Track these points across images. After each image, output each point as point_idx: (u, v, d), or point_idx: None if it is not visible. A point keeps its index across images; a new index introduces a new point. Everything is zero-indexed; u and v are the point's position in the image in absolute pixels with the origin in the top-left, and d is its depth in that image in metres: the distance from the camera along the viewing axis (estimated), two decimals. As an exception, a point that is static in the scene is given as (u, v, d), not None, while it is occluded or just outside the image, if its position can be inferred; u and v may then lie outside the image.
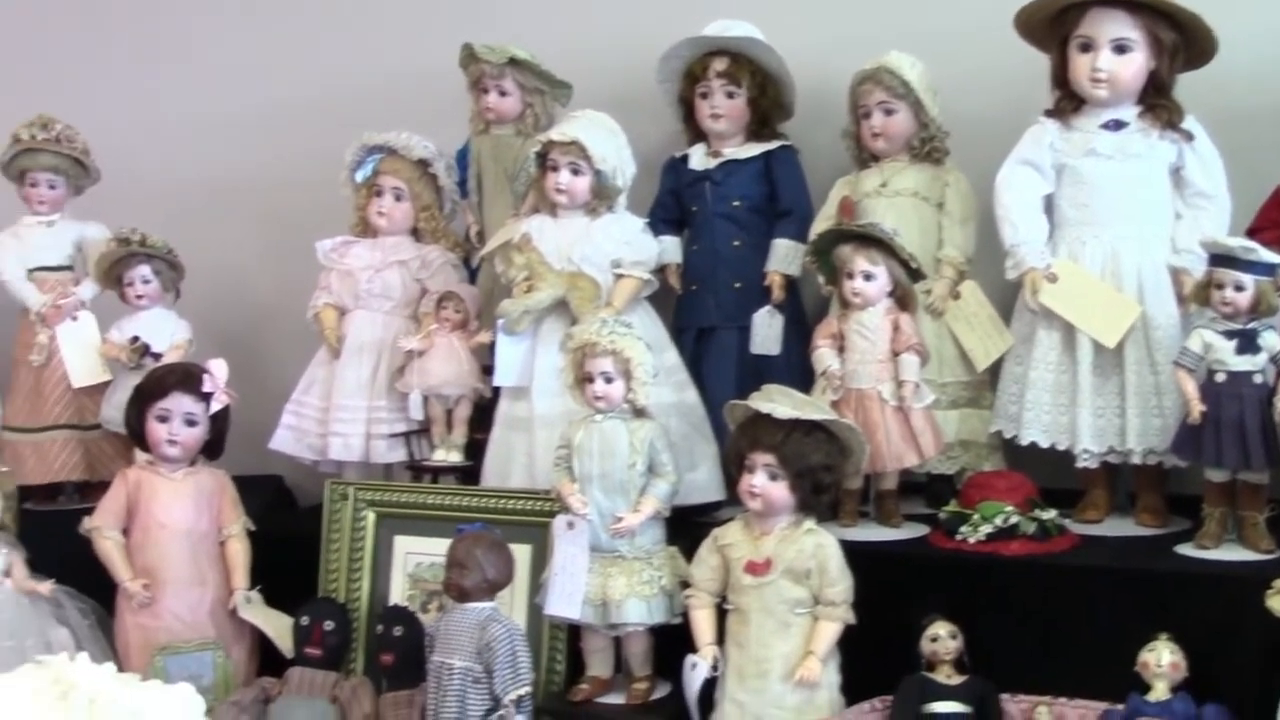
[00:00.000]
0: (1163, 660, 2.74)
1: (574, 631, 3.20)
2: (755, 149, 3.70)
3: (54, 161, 4.00)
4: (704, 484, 3.42)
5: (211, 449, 3.50)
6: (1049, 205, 3.34)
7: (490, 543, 3.07)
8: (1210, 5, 3.17)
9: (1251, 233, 3.24)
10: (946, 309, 3.50)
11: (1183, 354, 3.02)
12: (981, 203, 3.50)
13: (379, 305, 3.78)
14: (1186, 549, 3.05)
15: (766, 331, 3.62)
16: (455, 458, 3.66)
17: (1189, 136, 3.25)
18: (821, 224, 3.57)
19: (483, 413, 3.65)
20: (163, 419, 3.40)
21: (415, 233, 3.85)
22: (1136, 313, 3.21)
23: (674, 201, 3.78)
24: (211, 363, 3.48)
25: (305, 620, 3.30)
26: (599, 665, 3.16)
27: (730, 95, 3.67)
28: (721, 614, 3.00)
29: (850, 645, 2.94)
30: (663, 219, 3.74)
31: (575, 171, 3.42)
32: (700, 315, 3.68)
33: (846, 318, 3.28)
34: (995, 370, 3.46)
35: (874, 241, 3.25)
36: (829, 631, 2.91)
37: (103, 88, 4.51)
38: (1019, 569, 3.04)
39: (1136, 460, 3.23)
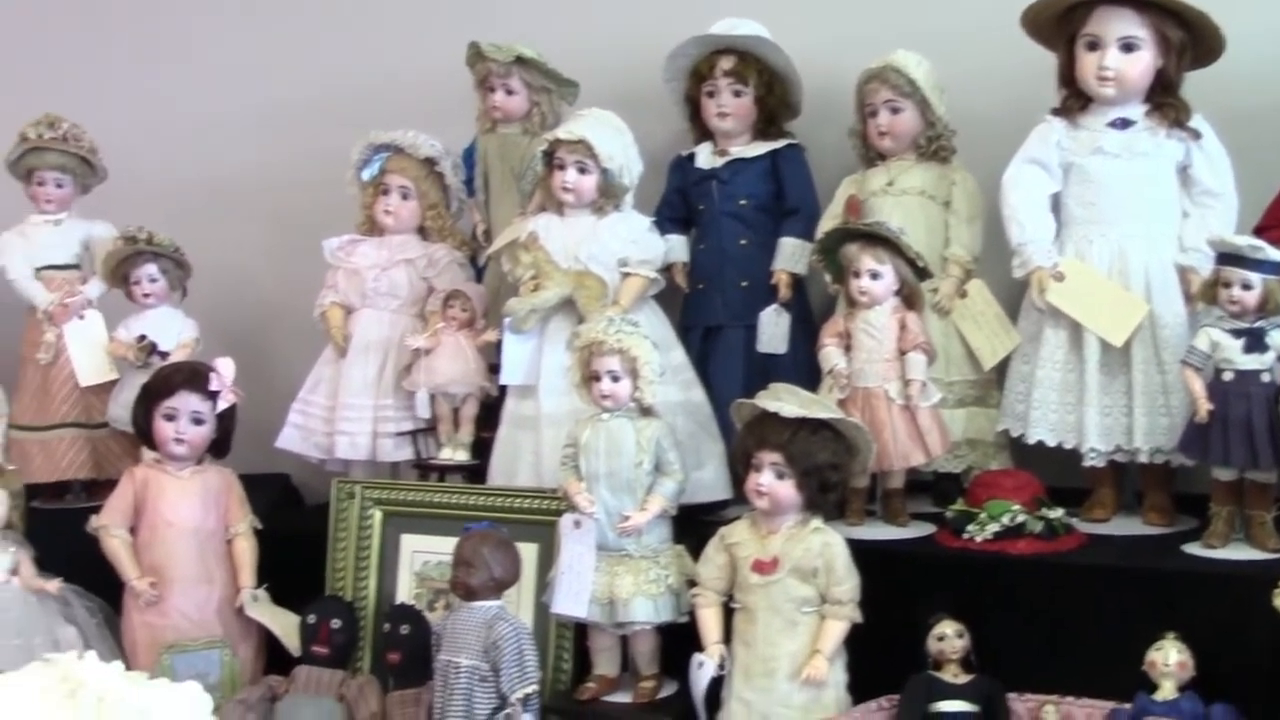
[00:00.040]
0: (1170, 659, 2.74)
1: (581, 630, 3.20)
2: (762, 148, 3.70)
3: (61, 160, 4.01)
4: (711, 483, 3.41)
5: (218, 447, 3.50)
6: (1056, 204, 3.33)
7: (497, 541, 3.07)
8: (1218, 3, 3.16)
9: (1259, 231, 3.24)
10: (953, 308, 3.50)
11: (1190, 353, 3.01)
12: (988, 201, 3.49)
13: (386, 304, 3.78)
14: (1194, 548, 3.05)
15: (773, 330, 3.62)
16: (462, 456, 3.66)
17: (1196, 135, 3.25)
18: (828, 222, 3.57)
19: (489, 411, 3.65)
20: (170, 417, 3.41)
21: (422, 231, 3.85)
22: (1144, 311, 3.20)
23: (681, 200, 3.78)
24: (218, 361, 3.48)
25: (312, 619, 3.30)
26: (606, 664, 3.17)
27: (737, 94, 3.67)
28: (728, 613, 3.00)
29: (857, 644, 2.94)
30: (669, 218, 3.74)
31: (582, 170, 3.42)
32: (707, 314, 3.68)
33: (853, 316, 3.28)
34: (1002, 369, 3.46)
35: (881, 240, 3.25)
36: (836, 630, 2.91)
37: (110, 87, 4.52)
38: (1026, 568, 3.03)
39: (1144, 459, 3.23)
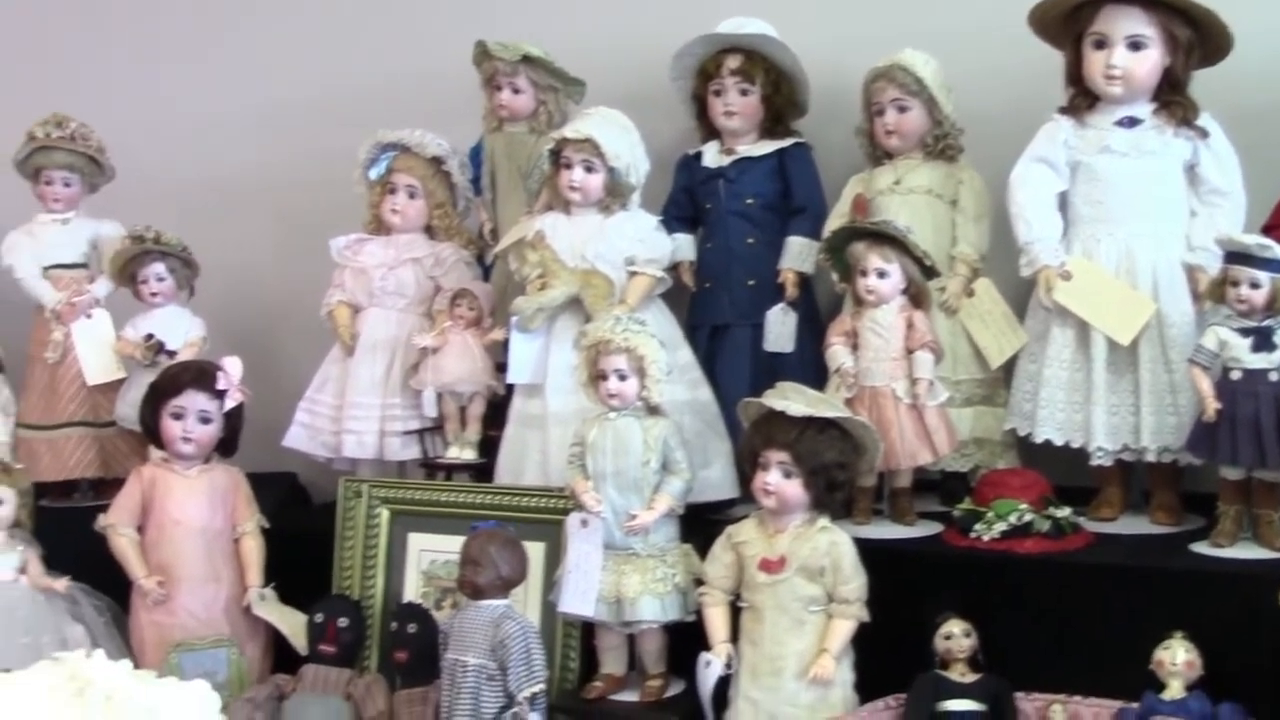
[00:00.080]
0: (1178, 658, 2.73)
1: (588, 629, 3.20)
2: (769, 146, 3.70)
3: (69, 159, 4.02)
4: (718, 482, 3.41)
5: (226, 446, 3.50)
6: (1063, 202, 3.33)
7: (504, 540, 3.08)
8: (1225, 2, 3.15)
9: (1267, 230, 3.24)
10: (960, 306, 3.49)
11: (1198, 351, 3.01)
12: (995, 200, 3.49)
13: (393, 303, 3.79)
14: (1201, 547, 3.04)
15: (780, 329, 3.61)
16: (469, 455, 3.66)
17: (1204, 133, 3.24)
18: (835, 221, 3.56)
19: (496, 410, 3.65)
20: (177, 416, 3.41)
21: (429, 230, 3.86)
22: (1151, 310, 3.20)
23: (687, 199, 3.78)
24: (226, 360, 3.48)
25: (319, 617, 3.31)
26: (613, 663, 3.17)
27: (744, 93, 3.67)
28: (735, 611, 3.00)
29: (864, 643, 2.93)
30: (676, 216, 3.74)
31: (589, 169, 3.42)
32: (714, 313, 3.68)
33: (860, 315, 3.28)
34: (1009, 368, 3.46)
35: (888, 239, 3.24)
36: (843, 629, 2.91)
37: (117, 86, 4.53)
38: (1033, 567, 3.03)
39: (1151, 458, 3.23)
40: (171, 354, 3.81)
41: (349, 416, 3.72)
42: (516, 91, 3.83)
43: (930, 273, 3.29)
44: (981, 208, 3.55)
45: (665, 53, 3.73)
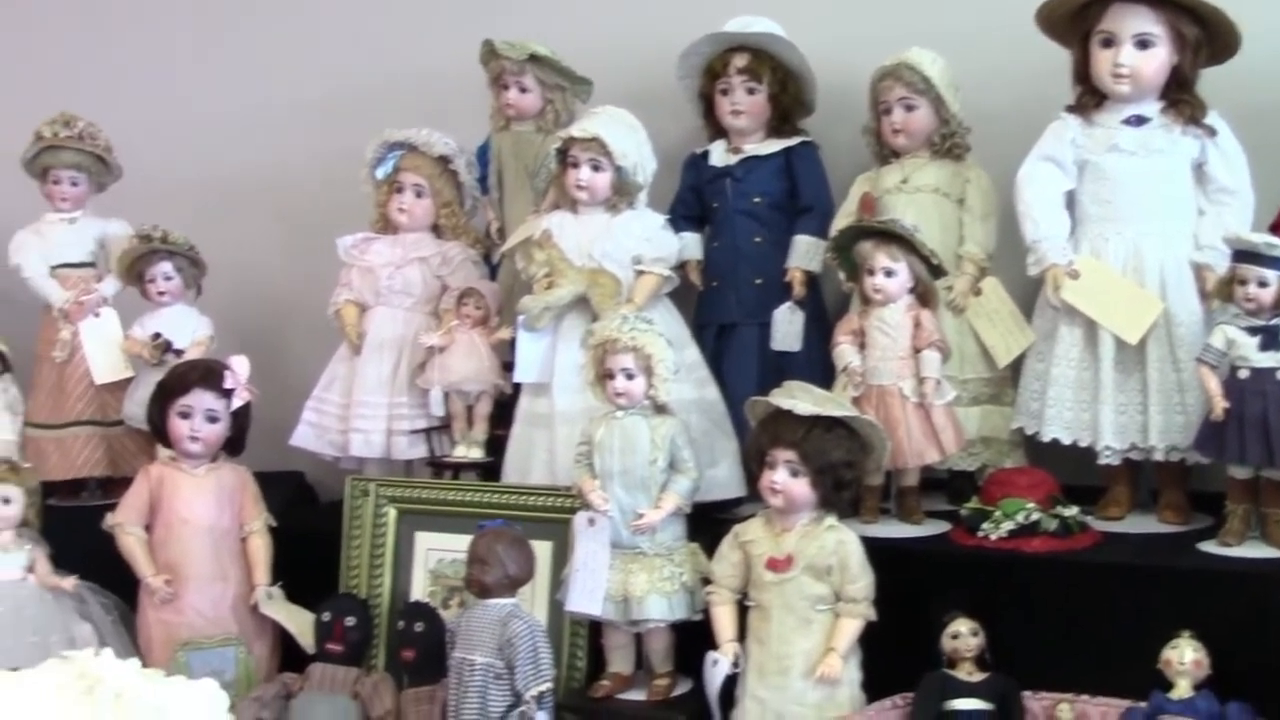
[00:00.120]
0: (1185, 658, 2.73)
1: (595, 628, 3.20)
2: (776, 145, 3.70)
3: (76, 159, 4.02)
4: (725, 480, 3.41)
5: (233, 445, 3.50)
6: (1071, 201, 3.33)
7: (511, 539, 3.08)
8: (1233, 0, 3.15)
9: (1275, 228, 3.23)
10: (968, 305, 3.49)
11: (1205, 350, 3.00)
12: (1003, 199, 3.49)
13: (400, 302, 3.79)
14: (1209, 546, 3.04)
15: (787, 328, 3.61)
16: (476, 454, 3.66)
17: (1212, 132, 3.24)
18: (842, 220, 3.56)
19: (503, 409, 3.65)
20: (185, 415, 3.41)
21: (436, 229, 3.86)
22: (1159, 309, 3.19)
23: (694, 198, 3.78)
24: (233, 359, 3.49)
25: (326, 616, 3.30)
26: (620, 662, 3.17)
27: (751, 91, 3.66)
28: (743, 610, 3.00)
29: (871, 642, 2.93)
30: (683, 215, 3.74)
31: (596, 168, 3.42)
32: (721, 312, 3.68)
33: (867, 314, 3.28)
34: (1017, 367, 3.45)
35: (895, 238, 3.24)
36: (850, 628, 2.90)
37: (124, 85, 4.53)
38: (1040, 566, 3.03)
39: (1159, 457, 3.22)
40: (179, 353, 3.82)
41: (356, 415, 3.72)
42: (523, 90, 3.82)
43: (937, 271, 3.29)
44: (989, 206, 3.54)
45: (672, 52, 3.73)
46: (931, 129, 3.54)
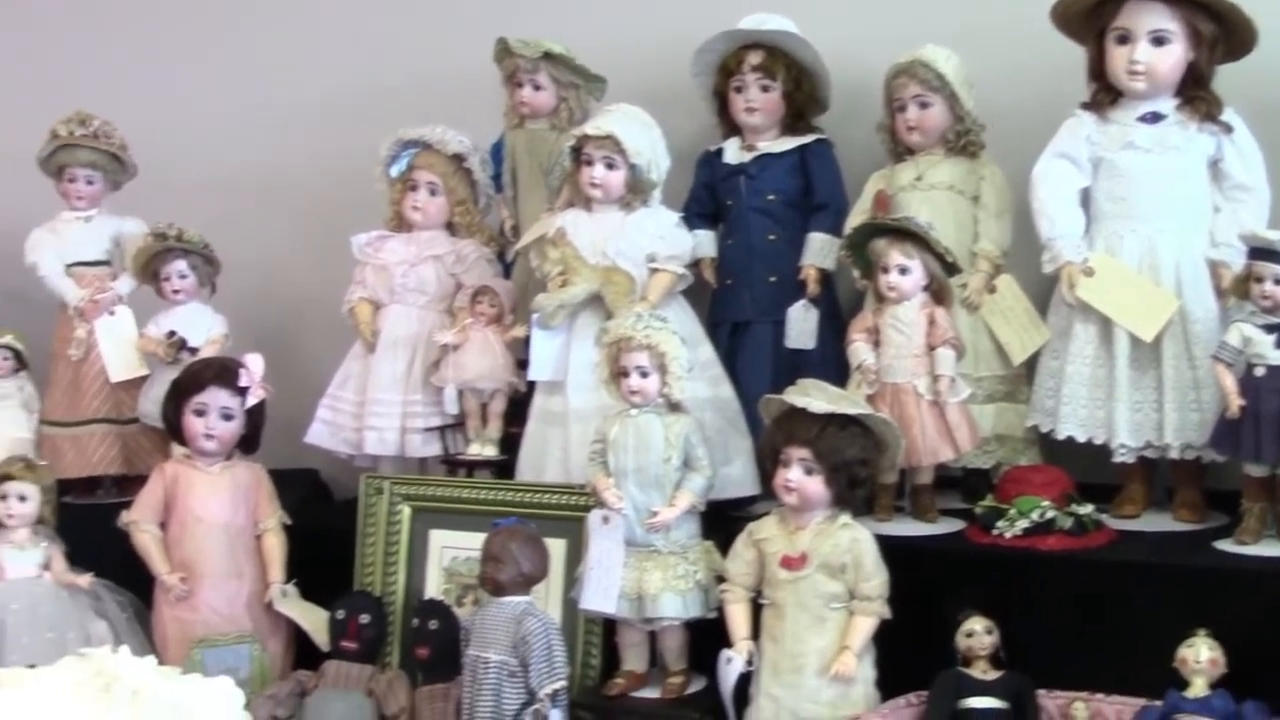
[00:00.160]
0: (1201, 656, 2.72)
1: (609, 626, 3.20)
2: (790, 143, 3.69)
3: (92, 157, 4.03)
4: (739, 479, 3.41)
5: (248, 443, 3.51)
6: (1086, 199, 3.32)
7: (525, 537, 3.08)
8: (1250, -4, 3.15)
9: (1291, 225, 3.23)
10: (982, 303, 3.48)
11: (1221, 348, 3.00)
12: (1017, 196, 3.48)
13: (414, 300, 3.79)
14: (1225, 544, 3.03)
15: (801, 326, 3.61)
16: (490, 452, 3.67)
17: (1228, 129, 3.23)
18: (856, 218, 3.56)
19: (517, 407, 3.65)
20: (199, 413, 3.42)
21: (450, 227, 3.86)
22: (1174, 306, 3.19)
23: (709, 195, 3.77)
24: (248, 357, 3.50)
25: (341, 614, 3.31)
26: (634, 659, 3.17)
27: (765, 89, 3.66)
28: (757, 608, 3.00)
29: (886, 640, 2.93)
30: (697, 213, 3.74)
31: (610, 166, 3.42)
32: (735, 310, 3.68)
33: (882, 312, 3.27)
34: (1031, 364, 3.45)
35: (909, 235, 3.24)
36: (864, 626, 2.90)
37: (139, 84, 4.54)
38: (1055, 564, 3.02)
39: (1174, 455, 3.21)
40: (194, 351, 3.83)
41: (370, 413, 3.73)
42: (538, 88, 3.83)
43: (952, 269, 3.28)
44: (1003, 204, 3.54)
45: (686, 49, 3.72)
46: (946, 126, 3.54)
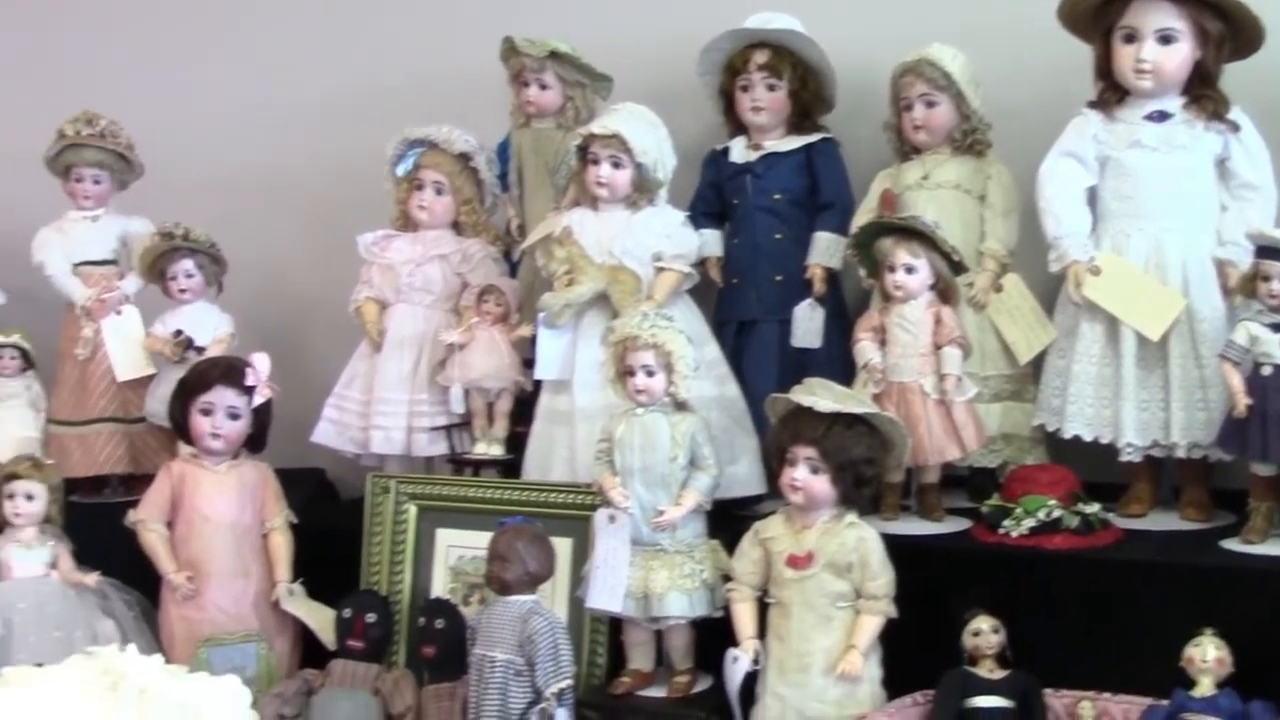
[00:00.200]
0: (1208, 655, 2.72)
1: (615, 625, 3.20)
2: (796, 142, 3.69)
3: (99, 157, 4.04)
4: (745, 477, 3.41)
5: (254, 442, 3.51)
6: (1092, 198, 3.32)
7: (532, 536, 3.08)
8: (1257, -6, 3.14)
9: (1298, 224, 3.22)
10: (989, 302, 3.48)
11: (1228, 347, 2.99)
12: (1024, 195, 3.48)
13: (420, 299, 3.79)
14: (1232, 544, 3.03)
15: (808, 325, 3.61)
16: (496, 451, 3.67)
17: (1235, 127, 3.22)
18: (863, 217, 3.56)
19: (524, 406, 3.65)
20: (206, 412, 3.42)
21: (456, 226, 3.86)
22: (1181, 305, 3.18)
23: (715, 194, 3.77)
24: (254, 356, 3.50)
25: (347, 613, 3.31)
26: (640, 658, 3.17)
27: (771, 88, 3.66)
28: (763, 607, 3.00)
29: (892, 639, 2.93)
30: (703, 212, 3.74)
31: (616, 165, 3.42)
32: (741, 309, 3.68)
33: (888, 311, 3.27)
34: (1038, 363, 3.44)
35: (916, 234, 3.23)
36: (870, 625, 2.90)
37: (145, 83, 4.54)
38: (1062, 563, 3.02)
39: (1181, 454, 3.21)
40: (200, 350, 3.83)
41: (377, 412, 3.73)
42: (544, 87, 3.82)
43: (958, 268, 3.28)
44: (1010, 203, 3.53)
45: (692, 48, 3.72)
46: (952, 125, 3.53)
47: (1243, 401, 2.94)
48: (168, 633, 3.40)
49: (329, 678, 3.27)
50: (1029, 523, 3.07)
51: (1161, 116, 3.24)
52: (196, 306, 3.93)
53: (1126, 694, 2.81)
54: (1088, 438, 3.27)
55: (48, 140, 4.04)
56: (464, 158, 3.82)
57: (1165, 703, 2.73)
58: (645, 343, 3.06)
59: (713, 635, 3.07)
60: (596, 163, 3.43)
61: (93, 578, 3.44)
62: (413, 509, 3.51)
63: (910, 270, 3.23)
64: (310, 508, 3.67)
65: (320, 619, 3.38)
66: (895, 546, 2.97)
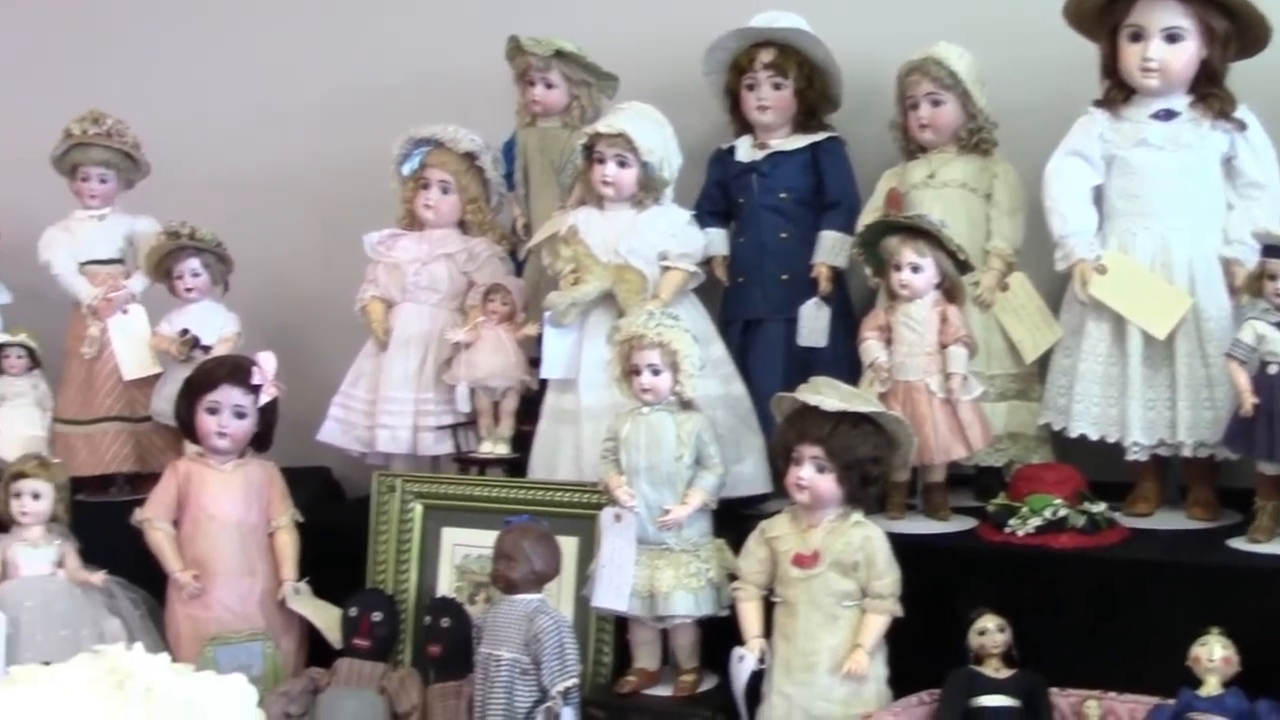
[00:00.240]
0: (1214, 655, 2.71)
1: (621, 624, 3.20)
2: (802, 141, 3.69)
3: (105, 156, 4.04)
4: (751, 476, 3.41)
5: (260, 441, 3.52)
6: (1098, 196, 3.32)
7: (538, 535, 3.08)
8: (1263, -8, 3.14)
9: (1304, 223, 3.21)
10: (995, 301, 3.48)
11: (1235, 345, 2.99)
12: (1030, 194, 3.47)
13: (426, 298, 3.79)
14: (1238, 543, 3.03)
15: (814, 324, 3.61)
16: (502, 450, 3.67)
17: (1241, 126, 3.22)
18: (869, 216, 3.56)
19: (529, 405, 3.65)
20: (212, 411, 3.43)
21: (462, 225, 3.86)
22: (1187, 304, 3.18)
23: (720, 193, 3.77)
24: (260, 355, 3.50)
25: (353, 611, 3.32)
26: (646, 657, 3.17)
27: (777, 87, 3.66)
28: (769, 606, 3.00)
29: (898, 638, 2.93)
30: (709, 211, 3.74)
31: (622, 164, 3.42)
32: (747, 307, 3.67)
33: (894, 310, 3.27)
34: (1044, 362, 3.44)
35: (921, 233, 3.23)
36: (876, 624, 2.90)
37: (152, 82, 4.55)
38: (1068, 562, 3.02)
39: (1187, 453, 3.21)
40: (206, 349, 3.84)
41: (382, 411, 3.73)
42: (549, 87, 3.82)
43: (964, 267, 3.28)
44: (1016, 201, 3.53)
45: (698, 47, 3.72)
46: (958, 124, 3.53)
47: (1249, 400, 2.93)
48: (174, 631, 3.41)
49: (335, 676, 3.27)
50: (1035, 522, 3.07)
51: (1168, 115, 3.24)
52: (202, 305, 3.93)
53: (1133, 693, 2.80)
54: (1094, 437, 3.27)
55: (53, 139, 4.05)
56: (470, 157, 3.82)
57: (1171, 702, 2.72)
58: (651, 341, 3.06)
59: (718, 634, 3.07)
60: (602, 162, 3.43)
61: (99, 576, 3.45)
62: (418, 508, 3.51)
63: (916, 269, 3.23)
64: (316, 506, 3.68)
65: (326, 618, 3.39)
66: (901, 545, 2.96)
